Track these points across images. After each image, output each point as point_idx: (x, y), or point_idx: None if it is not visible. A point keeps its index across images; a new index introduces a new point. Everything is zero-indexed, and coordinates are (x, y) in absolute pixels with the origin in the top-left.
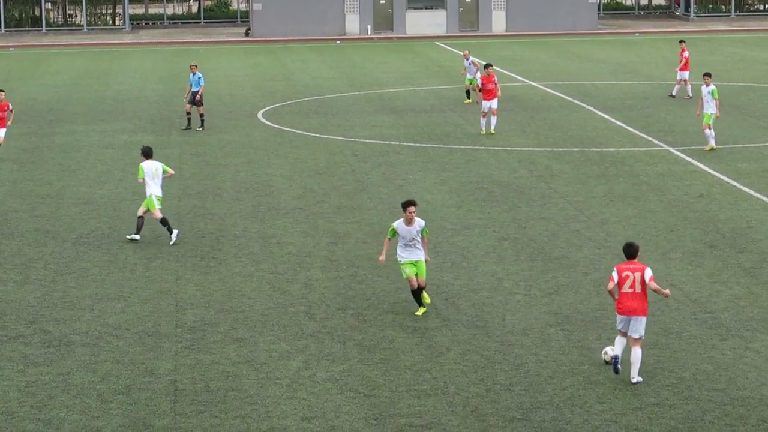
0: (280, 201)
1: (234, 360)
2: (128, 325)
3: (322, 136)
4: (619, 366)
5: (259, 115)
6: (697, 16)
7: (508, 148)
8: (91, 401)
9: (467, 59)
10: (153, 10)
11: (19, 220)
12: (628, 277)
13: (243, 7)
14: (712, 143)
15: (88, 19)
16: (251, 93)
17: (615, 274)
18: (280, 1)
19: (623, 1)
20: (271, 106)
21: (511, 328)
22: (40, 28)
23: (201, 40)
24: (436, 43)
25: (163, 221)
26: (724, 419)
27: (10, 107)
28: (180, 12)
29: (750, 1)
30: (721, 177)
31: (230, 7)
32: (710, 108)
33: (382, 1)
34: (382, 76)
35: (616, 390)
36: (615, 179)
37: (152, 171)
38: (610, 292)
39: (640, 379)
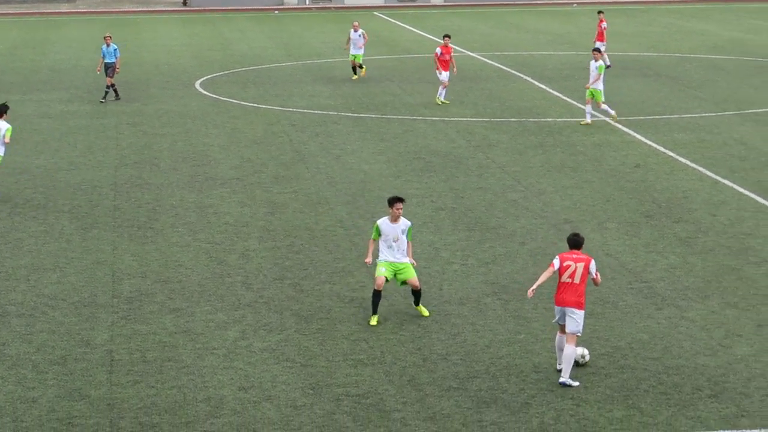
0: (217, 171)
1: (171, 330)
2: (64, 295)
3: (259, 106)
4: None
5: (197, 84)
6: None
7: (446, 119)
8: (27, 372)
9: (356, 31)
10: None
11: None
12: (569, 266)
13: None
14: (588, 119)
15: None
16: (189, 63)
17: (557, 261)
18: None
19: None
20: (208, 76)
21: (448, 297)
22: None
23: (139, 9)
24: (375, 13)
25: None
26: (659, 388)
27: None
28: None
29: None
30: (658, 147)
31: None
32: (599, 84)
33: None
34: (320, 47)
35: (552, 359)
36: (552, 149)
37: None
38: (544, 275)
39: (571, 382)
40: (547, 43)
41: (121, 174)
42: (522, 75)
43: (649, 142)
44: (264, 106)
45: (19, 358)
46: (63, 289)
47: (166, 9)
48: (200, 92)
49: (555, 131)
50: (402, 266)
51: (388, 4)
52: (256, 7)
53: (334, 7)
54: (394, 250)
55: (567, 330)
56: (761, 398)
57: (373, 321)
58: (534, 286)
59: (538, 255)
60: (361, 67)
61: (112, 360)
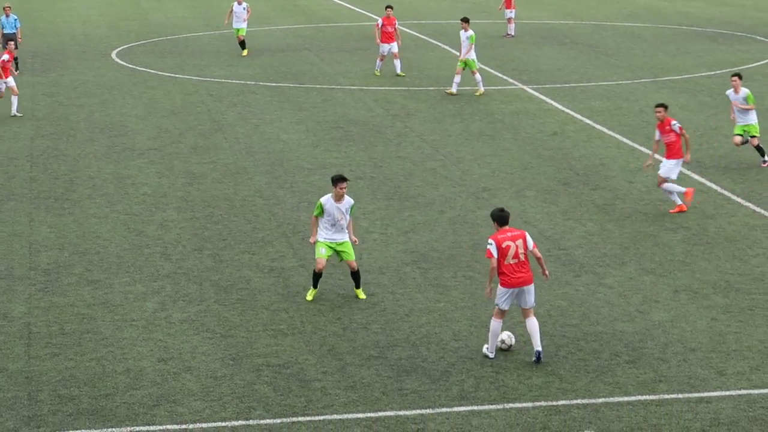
0: (135, 141)
1: (89, 302)
2: None
3: (177, 75)
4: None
5: (113, 54)
6: None
7: (365, 88)
8: None
9: (240, 4)
10: None
11: None
12: (509, 247)
13: None
14: (455, 89)
15: None
16: (105, 33)
17: (494, 248)
18: None
19: None
20: (125, 46)
21: (367, 267)
22: None
23: None
24: None
25: None
26: (578, 354)
27: None
28: None
29: None
30: (575, 115)
31: None
32: (471, 54)
33: None
34: None
35: (472, 327)
36: (470, 118)
37: None
38: (492, 271)
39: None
40: (464, 12)
41: (37, 145)
42: (440, 44)
43: (567, 110)
44: (181, 76)
45: None
46: None
47: None
48: (117, 62)
49: (473, 100)
50: (342, 246)
51: None
52: None
53: None
54: (335, 228)
55: (527, 306)
56: (678, 363)
57: (310, 296)
58: (488, 288)
59: (457, 223)
60: (243, 46)
61: (30, 333)
